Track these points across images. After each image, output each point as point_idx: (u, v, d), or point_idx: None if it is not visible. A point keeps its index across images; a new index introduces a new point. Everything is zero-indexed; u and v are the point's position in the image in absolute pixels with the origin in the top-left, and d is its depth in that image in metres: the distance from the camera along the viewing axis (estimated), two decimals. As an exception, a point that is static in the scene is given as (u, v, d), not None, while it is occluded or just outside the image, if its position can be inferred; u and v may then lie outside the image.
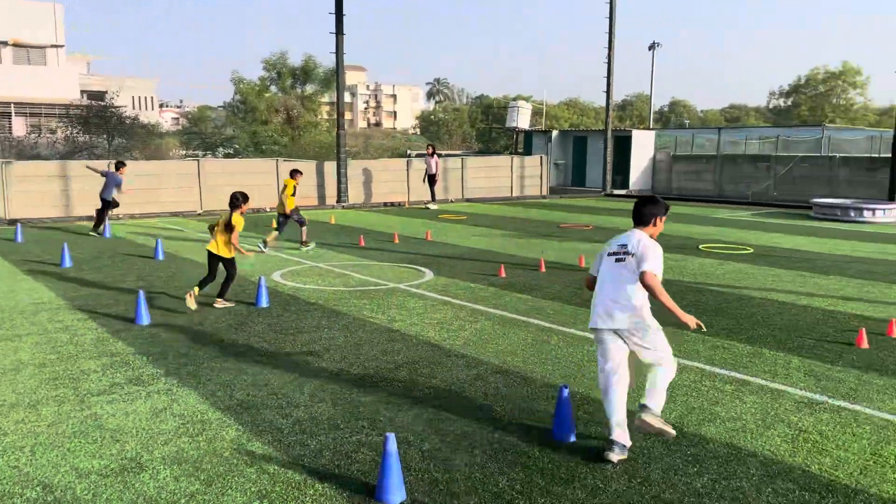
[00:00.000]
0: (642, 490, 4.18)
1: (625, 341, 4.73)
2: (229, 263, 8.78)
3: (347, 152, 23.78)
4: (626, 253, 4.79)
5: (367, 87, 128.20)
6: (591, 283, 5.02)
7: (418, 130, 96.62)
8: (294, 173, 14.20)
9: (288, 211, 13.78)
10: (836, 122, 59.52)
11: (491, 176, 27.26)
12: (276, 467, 4.47)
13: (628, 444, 4.58)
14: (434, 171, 22.71)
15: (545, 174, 28.53)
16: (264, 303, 8.83)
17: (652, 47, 54.47)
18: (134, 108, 56.62)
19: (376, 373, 6.27)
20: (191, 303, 8.51)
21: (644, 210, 4.95)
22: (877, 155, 28.32)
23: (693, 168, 29.75)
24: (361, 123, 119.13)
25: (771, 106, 79.88)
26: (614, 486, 4.22)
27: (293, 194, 13.83)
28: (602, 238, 15.49)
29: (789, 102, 73.50)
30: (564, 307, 8.80)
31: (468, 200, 25.97)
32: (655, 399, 4.60)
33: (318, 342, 7.23)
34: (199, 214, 20.45)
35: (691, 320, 4.70)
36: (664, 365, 4.72)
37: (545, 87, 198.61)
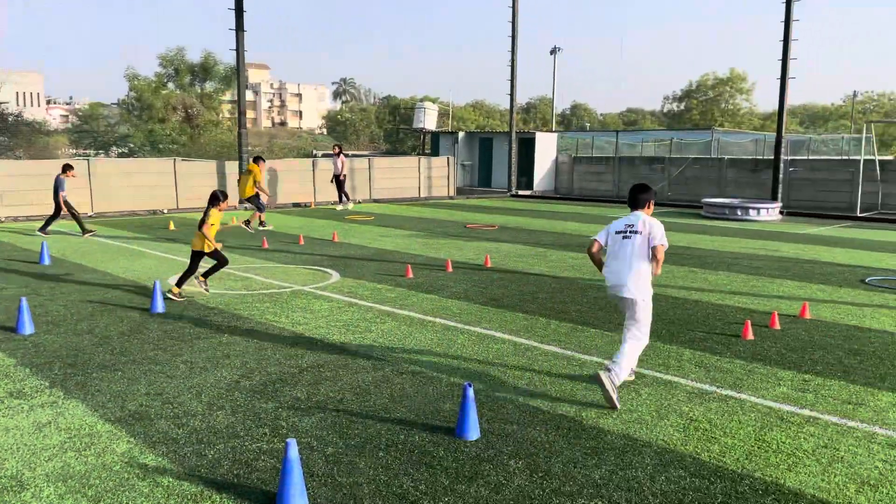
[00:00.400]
0: (543, 484, 4.26)
1: (627, 309, 5.79)
2: (214, 254, 9.28)
3: (250, 152, 23.16)
4: (634, 232, 5.77)
5: (272, 85, 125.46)
6: (593, 249, 6.06)
7: (325, 130, 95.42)
8: (258, 160, 16.10)
9: (247, 196, 15.09)
10: (725, 126, 63.03)
11: (398, 177, 27.25)
12: (170, 480, 4.28)
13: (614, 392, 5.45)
14: (340, 171, 22.48)
15: (452, 175, 28.77)
16: (160, 308, 8.46)
17: (553, 52, 55.95)
18: (18, 104, 53.10)
19: (279, 378, 6.13)
20: (200, 286, 9.44)
21: (640, 196, 5.94)
22: (761, 157, 30.16)
23: (593, 169, 30.77)
24: (265, 123, 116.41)
25: (665, 110, 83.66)
26: (517, 482, 4.28)
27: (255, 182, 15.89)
28: (508, 238, 15.76)
29: (682, 107, 77.19)
30: (471, 306, 8.89)
31: (376, 201, 25.85)
32: (622, 361, 5.57)
33: (217, 348, 6.99)
34: (91, 217, 19.39)
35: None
36: (639, 339, 5.77)
37: (452, 88, 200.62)
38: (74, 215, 15.66)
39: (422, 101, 52.67)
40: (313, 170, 24.70)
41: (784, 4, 21.91)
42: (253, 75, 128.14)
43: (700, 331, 7.81)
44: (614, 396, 5.39)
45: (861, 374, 6.34)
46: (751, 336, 7.51)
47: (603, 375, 5.41)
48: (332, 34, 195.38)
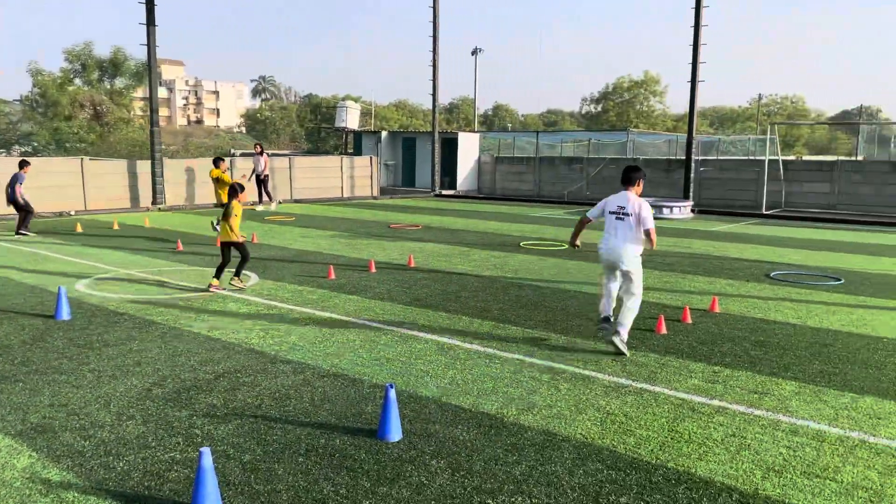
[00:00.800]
0: (465, 483, 4.28)
1: (622, 276, 7.04)
2: (240, 247, 9.88)
3: (164, 151, 22.36)
4: (625, 214, 6.87)
5: (187, 82, 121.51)
6: (582, 223, 7.33)
7: (244, 129, 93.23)
8: (217, 161, 16.64)
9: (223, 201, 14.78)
10: (640, 127, 65.15)
11: (320, 176, 26.89)
12: (75, 494, 4.07)
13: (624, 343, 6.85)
14: (262, 170, 22.04)
15: (375, 175, 28.63)
16: (65, 315, 8.05)
17: (475, 52, 56.45)
18: None
19: (193, 385, 5.93)
20: (238, 283, 9.84)
21: (631, 175, 7.02)
22: (674, 157, 31.30)
23: (515, 169, 31.23)
24: (181, 121, 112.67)
25: (584, 111, 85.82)
26: (438, 481, 4.28)
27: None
28: (431, 237, 15.80)
29: (599, 108, 79.34)
30: (394, 306, 8.85)
31: (297, 201, 25.43)
32: (626, 319, 6.94)
33: (127, 356, 6.70)
34: (-10, 219, 18.28)
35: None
36: (637, 296, 7.06)
37: (374, 88, 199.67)
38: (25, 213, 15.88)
39: (344, 99, 52.16)
40: (231, 169, 24.06)
41: (693, 10, 22.82)
42: (166, 72, 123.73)
43: (617, 326, 8.02)
44: (625, 349, 6.82)
45: (766, 365, 6.65)
46: (664, 330, 7.77)
47: (616, 340, 6.79)
48: (251, 30, 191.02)
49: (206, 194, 23.20)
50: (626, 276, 7.03)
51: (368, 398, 5.65)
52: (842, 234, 17.79)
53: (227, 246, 9.94)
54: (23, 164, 16.41)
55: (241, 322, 7.99)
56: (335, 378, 6.12)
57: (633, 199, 6.91)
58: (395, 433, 4.87)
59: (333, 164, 27.71)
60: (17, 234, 15.39)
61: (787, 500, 4.12)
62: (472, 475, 4.37)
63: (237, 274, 9.96)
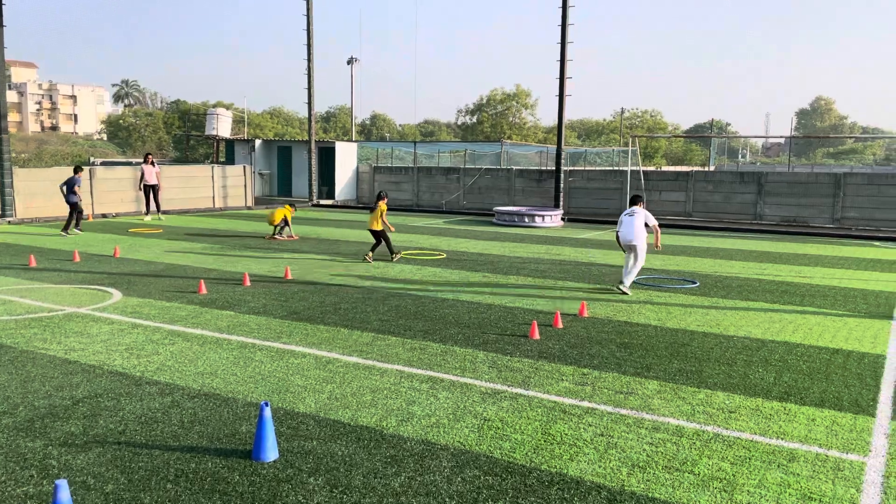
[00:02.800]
0: (343, 499, 4.22)
1: (633, 250, 10.82)
2: (381, 234, 13.72)
3: (14, 159, 20.65)
4: (633, 214, 10.90)
5: (40, 85, 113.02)
6: (618, 238, 11.02)
7: (105, 136, 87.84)
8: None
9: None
10: (513, 139, 67.21)
11: (190, 186, 25.77)
12: None
13: (627, 288, 10.79)
14: (155, 180, 21.21)
15: (249, 184, 27.80)
16: None
17: (350, 62, 56.21)
18: None
19: (49, 412, 5.50)
20: (369, 259, 13.68)
21: (637, 198, 11.20)
22: (545, 168, 32.51)
23: (394, 179, 31.32)
24: (33, 127, 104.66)
25: (459, 122, 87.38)
26: (317, 500, 4.20)
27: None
28: (309, 248, 15.52)
29: (474, 120, 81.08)
30: (270, 321, 8.61)
31: (165, 212, 24.22)
32: (629, 279, 10.88)
33: (-29, 384, 6.12)
34: None
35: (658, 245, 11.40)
36: (639, 263, 10.89)
37: (248, 95, 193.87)
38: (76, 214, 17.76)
39: (214, 106, 50.33)
40: (91, 179, 22.60)
41: (560, 27, 23.85)
42: (17, 74, 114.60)
43: (493, 333, 8.22)
44: (629, 291, 10.80)
45: (631, 366, 7.03)
46: (537, 336, 8.04)
47: (626, 290, 10.80)
48: (112, 32, 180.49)
49: (60, 206, 21.65)
50: (635, 251, 10.88)
51: (243, 417, 5.46)
52: (696, 240, 19.14)
53: (376, 233, 13.79)
54: (78, 169, 18.47)
55: (102, 343, 7.50)
56: (207, 398, 5.87)
57: (639, 209, 11.02)
58: (271, 453, 4.73)
59: (204, 174, 26.65)
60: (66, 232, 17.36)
61: (650, 495, 4.37)
62: (350, 490, 4.32)
63: (373, 250, 13.84)
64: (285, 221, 17.52)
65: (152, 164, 21.67)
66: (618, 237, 11.01)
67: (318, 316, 8.94)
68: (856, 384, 6.57)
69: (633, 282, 11.84)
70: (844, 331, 8.70)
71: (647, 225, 10.95)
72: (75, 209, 17.80)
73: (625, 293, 10.75)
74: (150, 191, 21.50)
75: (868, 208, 22.68)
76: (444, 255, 14.89)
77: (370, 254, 13.82)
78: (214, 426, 5.28)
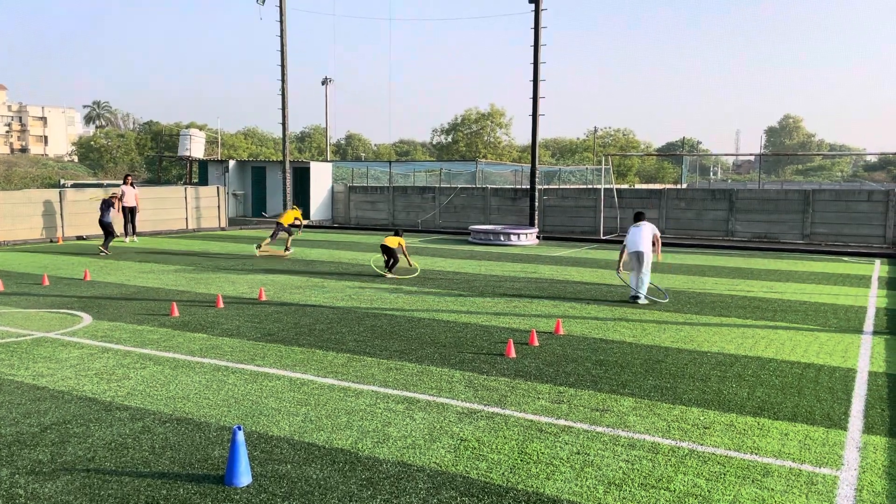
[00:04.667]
0: (319, 523, 4.17)
1: (638, 258, 11.82)
2: (396, 252, 14.71)
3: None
4: (642, 226, 12.03)
5: (10, 107, 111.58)
6: (623, 251, 12.21)
7: (76, 157, 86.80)
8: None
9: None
10: (488, 157, 67.60)
11: (162, 207, 25.53)
12: None
13: (641, 296, 11.76)
14: (134, 202, 21.03)
15: (223, 205, 27.60)
16: None
17: (325, 83, 56.34)
18: None
19: (15, 440, 5.37)
20: (385, 272, 14.61)
21: (641, 214, 12.39)
22: (519, 186, 32.70)
23: (369, 199, 31.30)
24: (2, 149, 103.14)
25: (434, 142, 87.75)
26: (291, 525, 4.14)
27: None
28: (283, 268, 15.41)
29: (450, 139, 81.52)
30: (243, 343, 8.52)
31: (137, 234, 23.92)
32: (644, 288, 11.80)
33: (-66, 412, 5.96)
34: None
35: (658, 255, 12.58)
36: (646, 274, 11.92)
37: (221, 115, 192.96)
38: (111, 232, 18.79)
39: (188, 127, 50.02)
40: (60, 201, 22.29)
41: (532, 48, 24.14)
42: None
43: (469, 352, 8.20)
44: (644, 300, 11.81)
45: (606, 383, 7.06)
46: (513, 354, 8.04)
47: (642, 300, 11.77)
48: (82, 53, 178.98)
49: (28, 228, 21.30)
50: (642, 260, 11.89)
51: (215, 442, 5.38)
52: (669, 257, 19.33)
53: (389, 251, 14.66)
54: (113, 195, 19.96)
55: (72, 368, 7.36)
56: (179, 423, 5.78)
57: (645, 223, 12.27)
58: (244, 477, 4.66)
59: (177, 195, 26.42)
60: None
61: (626, 512, 4.37)
62: (326, 515, 4.27)
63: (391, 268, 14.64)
64: (293, 226, 18.97)
65: (132, 185, 21.44)
66: (624, 247, 12.27)
67: (293, 337, 8.86)
68: (827, 398, 6.66)
69: (634, 295, 12.22)
70: (816, 345, 8.82)
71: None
72: (107, 229, 18.75)
73: (644, 301, 11.90)
74: (130, 213, 21.23)
75: (836, 224, 23.12)
76: (419, 274, 14.88)
77: (387, 271, 14.74)
78: (186, 451, 5.20)
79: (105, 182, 42.60)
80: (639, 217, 12.43)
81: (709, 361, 7.95)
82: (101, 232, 19.97)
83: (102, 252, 17.99)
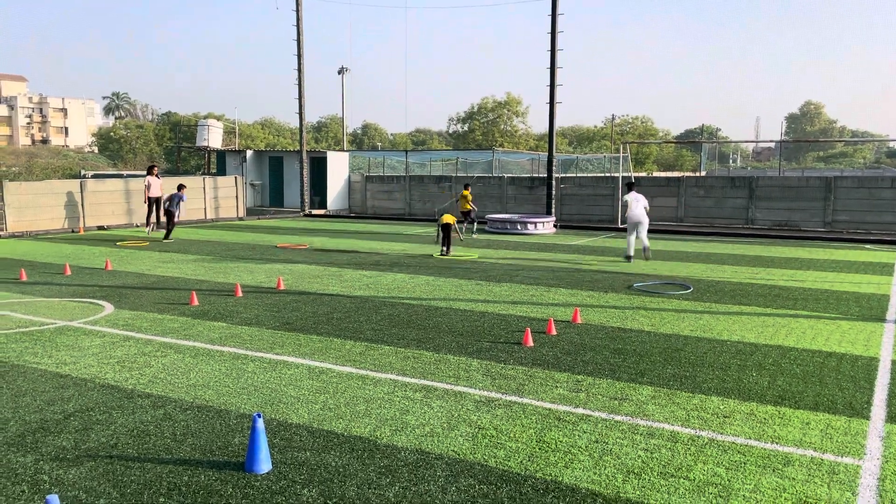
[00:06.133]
0: (338, 510, 4.19)
1: (640, 227, 15.14)
2: (450, 229, 16.26)
3: (5, 173, 20.58)
4: (639, 200, 15.20)
5: (30, 99, 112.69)
6: (625, 207, 15.40)
7: (96, 148, 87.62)
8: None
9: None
10: (504, 146, 67.36)
11: (181, 198, 25.69)
12: None
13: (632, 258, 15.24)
14: (159, 192, 21.10)
15: (241, 195, 27.75)
16: None
17: (341, 72, 56.33)
18: None
19: (40, 426, 5.45)
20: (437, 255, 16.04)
21: (632, 186, 15.64)
22: (536, 175, 32.53)
23: (385, 188, 31.33)
24: (24, 140, 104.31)
25: (451, 131, 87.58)
26: (311, 511, 4.17)
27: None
28: (301, 258, 15.49)
29: (466, 128, 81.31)
30: (262, 332, 8.58)
31: (158, 225, 24.12)
32: (647, 244, 15.47)
33: (-39, 399, 6.06)
34: None
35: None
36: (645, 238, 15.39)
37: (238, 106, 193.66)
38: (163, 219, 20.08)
39: (205, 118, 50.27)
40: (81, 192, 22.53)
41: (549, 35, 23.96)
42: (7, 88, 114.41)
43: (486, 340, 8.20)
44: (648, 255, 15.49)
45: (625, 372, 7.03)
46: (531, 343, 8.03)
47: (648, 253, 15.37)
48: (102, 45, 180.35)
49: (51, 219, 21.57)
50: (643, 227, 15.19)
51: (235, 430, 5.43)
52: (688, 245, 19.19)
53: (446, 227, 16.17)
54: (181, 186, 20.18)
55: (94, 356, 7.46)
56: (199, 410, 5.84)
57: (640, 195, 15.38)
58: (265, 464, 4.70)
59: (195, 185, 26.57)
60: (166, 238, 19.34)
61: (645, 501, 4.35)
62: (344, 502, 4.30)
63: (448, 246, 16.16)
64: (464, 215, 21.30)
65: (157, 176, 21.49)
66: (626, 216, 15.28)
67: (311, 326, 8.91)
68: (850, 387, 6.59)
69: (628, 288, 11.97)
70: (837, 334, 8.73)
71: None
72: (170, 217, 19.71)
73: (649, 258, 15.53)
74: (155, 203, 21.27)
75: (859, 211, 22.80)
76: (436, 264, 14.88)
77: (444, 249, 16.10)
78: (207, 438, 5.25)
79: (125, 172, 42.98)
80: (631, 187, 15.52)
81: (728, 350, 7.89)
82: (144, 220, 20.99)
83: (166, 240, 19.15)
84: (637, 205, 15.14)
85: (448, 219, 16.09)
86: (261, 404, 6.00)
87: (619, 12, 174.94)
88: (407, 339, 8.27)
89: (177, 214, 19.94)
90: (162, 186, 21.56)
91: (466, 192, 21.31)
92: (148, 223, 21.42)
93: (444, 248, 16.20)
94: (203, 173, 35.95)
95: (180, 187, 20.24)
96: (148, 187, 21.05)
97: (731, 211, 24.68)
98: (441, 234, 16.15)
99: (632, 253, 15.16)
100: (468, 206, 21.19)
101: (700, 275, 13.60)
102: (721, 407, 6.03)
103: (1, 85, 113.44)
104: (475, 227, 22.54)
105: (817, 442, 5.29)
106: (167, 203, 19.85)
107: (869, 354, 7.77)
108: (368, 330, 8.73)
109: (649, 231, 18.82)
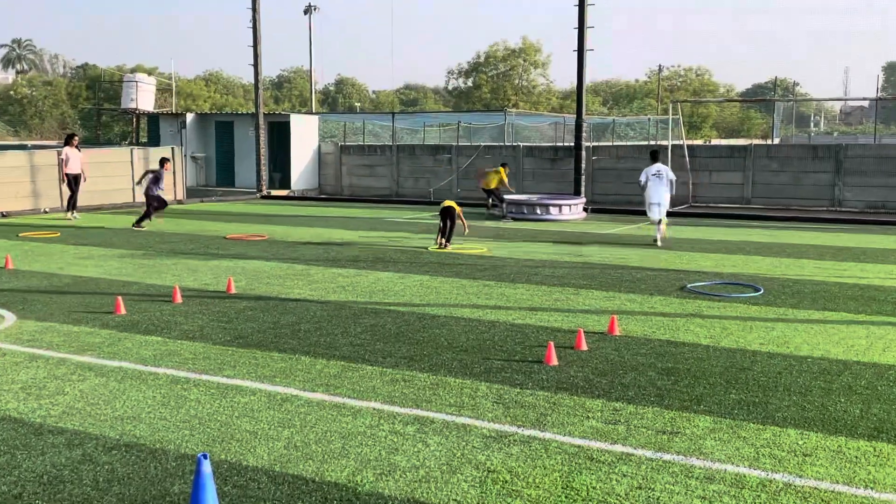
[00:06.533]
0: (308, 577, 4.21)
1: (661, 207, 17.17)
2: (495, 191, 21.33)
3: None
4: (662, 175, 17.15)
5: None
6: (641, 184, 17.34)
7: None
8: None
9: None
10: (520, 107, 67.31)
11: (103, 175, 25.67)
12: None
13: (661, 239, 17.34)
14: (79, 169, 21.11)
15: (180, 172, 27.77)
16: None
17: (308, 11, 56.33)
18: None
19: (-78, 472, 5.47)
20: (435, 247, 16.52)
21: (658, 155, 18.07)
22: (561, 144, 32.56)
23: (366, 162, 31.36)
24: None
25: (451, 87, 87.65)
26: (273, 579, 4.19)
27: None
28: (258, 253, 15.52)
29: (469, 83, 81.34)
30: (208, 348, 8.60)
31: (76, 210, 24.16)
32: (662, 229, 17.54)
33: None
34: None
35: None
36: (665, 219, 17.74)
37: (175, 56, 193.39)
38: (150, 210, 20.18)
39: (133, 72, 50.27)
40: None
41: (578, -36, 23.95)
42: None
43: (497, 358, 8.23)
44: (664, 234, 17.66)
45: (676, 398, 7.06)
46: (554, 361, 8.05)
47: (660, 236, 17.23)
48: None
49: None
50: (664, 207, 17.13)
51: (175, 475, 5.45)
52: (757, 234, 19.22)
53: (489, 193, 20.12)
54: (163, 162, 20.85)
55: (-9, 380, 7.48)
56: (128, 450, 5.86)
57: (665, 168, 17.17)
58: (213, 519, 4.72)
59: (121, 159, 26.60)
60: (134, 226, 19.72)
61: (703, 563, 4.37)
62: (316, 567, 4.32)
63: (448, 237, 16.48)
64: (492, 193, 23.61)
65: (77, 148, 21.51)
66: (646, 193, 17.18)
67: (271, 340, 8.93)
68: (965, 416, 6.61)
69: (680, 290, 11.97)
70: (949, 347, 8.76)
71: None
72: (154, 202, 20.26)
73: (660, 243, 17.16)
74: (75, 181, 21.26)
75: (977, 189, 22.85)
76: (434, 259, 14.91)
77: (443, 241, 16.47)
78: (138, 486, 5.27)
79: (30, 143, 42.95)
80: (655, 157, 17.62)
81: (809, 369, 7.92)
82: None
83: (136, 227, 19.67)
84: (659, 181, 17.03)
85: (451, 203, 16.53)
86: (207, 442, 6.02)
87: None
88: (395, 356, 8.29)
89: (155, 194, 20.13)
90: (84, 162, 21.56)
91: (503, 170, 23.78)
92: (70, 208, 21.42)
93: (443, 240, 16.36)
94: (130, 143, 35.94)
95: (163, 162, 20.79)
96: (65, 161, 21.08)
97: (811, 189, 24.74)
98: (443, 223, 16.49)
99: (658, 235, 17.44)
100: (494, 185, 23.39)
101: (772, 272, 13.64)
102: (800, 442, 6.05)
103: None
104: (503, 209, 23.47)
105: (924, 487, 5.31)
106: (148, 186, 20.17)
107: None
108: (345, 345, 8.75)
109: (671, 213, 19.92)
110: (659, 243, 16.92)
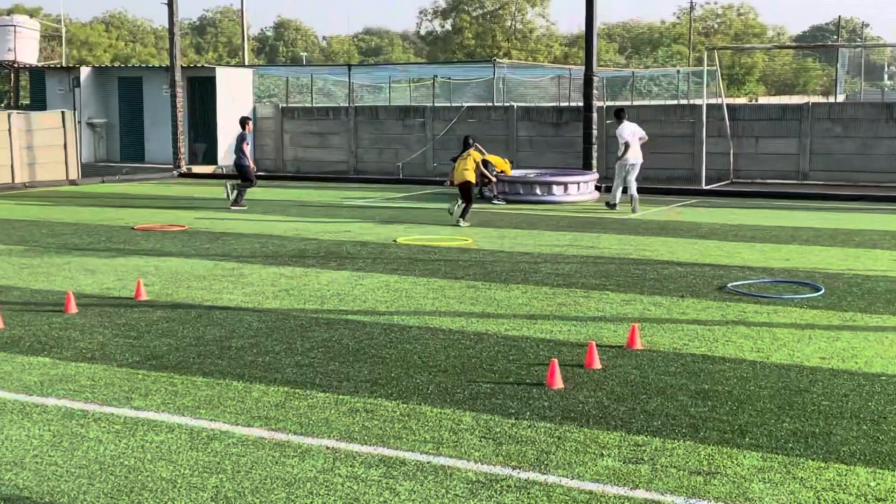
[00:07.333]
0: None
1: (635, 169, 21.46)
2: (471, 190, 19.21)
3: None
4: (636, 136, 21.80)
5: None
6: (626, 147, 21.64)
7: None
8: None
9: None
10: (512, 56, 67.28)
11: (-28, 149, 25.53)
12: None
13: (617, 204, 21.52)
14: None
15: (74, 143, 27.57)
16: None
17: (240, -66, 56.00)
18: None
19: None
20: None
21: (621, 114, 21.97)
22: (566, 104, 32.60)
23: (315, 128, 31.24)
24: None
25: (424, 32, 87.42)
26: None
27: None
28: (176, 249, 15.46)
29: (447, 26, 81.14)
30: (112, 372, 8.56)
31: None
32: (636, 195, 21.38)
33: None
34: None
35: None
36: (634, 185, 21.69)
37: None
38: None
39: (10, 14, 49.82)
40: None
41: None
42: None
43: (486, 381, 8.23)
44: (637, 207, 20.92)
45: (714, 428, 7.08)
46: (559, 383, 8.06)
47: (637, 213, 20.54)
48: None
49: None
50: (638, 171, 20.87)
51: (70, 536, 5.43)
52: (816, 217, 19.31)
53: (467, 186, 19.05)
54: (244, 122, 22.65)
55: None
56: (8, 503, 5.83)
57: (637, 127, 21.68)
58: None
59: (-3, 127, 26.39)
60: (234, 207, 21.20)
61: None
62: None
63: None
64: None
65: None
66: (626, 157, 20.77)
67: (194, 361, 8.91)
68: None
69: (718, 290, 12.10)
70: None
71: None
72: (245, 175, 22.02)
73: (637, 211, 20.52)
74: None
75: None
76: (407, 256, 14.89)
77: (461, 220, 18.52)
78: (22, 552, 5.24)
79: None
80: (619, 115, 21.12)
81: (884, 390, 7.98)
82: None
83: (235, 207, 21.17)
84: (636, 141, 21.02)
85: (468, 176, 18.82)
86: (111, 493, 5.99)
87: None
88: (354, 380, 8.28)
89: (249, 166, 21.97)
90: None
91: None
92: None
93: (461, 213, 18.71)
94: (7, 106, 35.65)
95: (244, 122, 22.61)
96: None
97: (886, 160, 24.89)
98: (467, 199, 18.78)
99: (615, 200, 21.14)
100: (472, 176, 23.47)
101: (836, 266, 13.72)
102: (872, 483, 6.09)
103: None
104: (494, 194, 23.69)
105: None
106: (240, 156, 21.83)
107: None
108: (290, 366, 8.73)
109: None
110: (638, 211, 20.42)
